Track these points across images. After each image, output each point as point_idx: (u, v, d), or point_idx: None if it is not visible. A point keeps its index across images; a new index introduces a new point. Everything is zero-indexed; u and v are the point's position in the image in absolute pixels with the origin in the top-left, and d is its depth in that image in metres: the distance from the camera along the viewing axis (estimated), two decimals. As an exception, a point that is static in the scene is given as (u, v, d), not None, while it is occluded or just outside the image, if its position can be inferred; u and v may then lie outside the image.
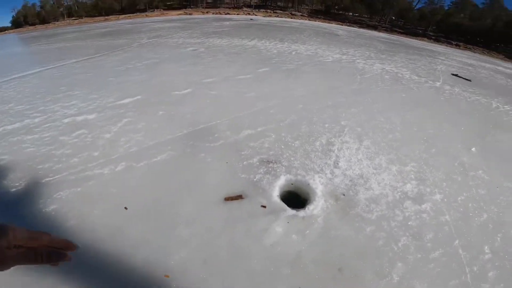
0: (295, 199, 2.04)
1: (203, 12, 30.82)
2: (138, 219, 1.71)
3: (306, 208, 1.84)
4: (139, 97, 3.24)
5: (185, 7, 38.50)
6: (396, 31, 29.73)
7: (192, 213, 1.78)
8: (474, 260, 1.65)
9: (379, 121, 2.86)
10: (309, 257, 1.63)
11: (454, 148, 2.65)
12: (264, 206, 1.84)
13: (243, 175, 2.07)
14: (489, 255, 1.69)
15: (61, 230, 1.62)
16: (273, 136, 2.41)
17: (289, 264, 1.61)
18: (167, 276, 1.46)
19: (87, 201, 1.81)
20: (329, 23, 27.18)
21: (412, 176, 2.24)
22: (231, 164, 2.16)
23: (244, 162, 2.18)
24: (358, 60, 6.55)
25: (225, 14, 28.31)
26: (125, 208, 1.78)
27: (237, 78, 3.63)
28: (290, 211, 1.82)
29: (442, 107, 3.68)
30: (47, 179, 1.98)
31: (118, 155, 2.24)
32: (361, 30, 22.49)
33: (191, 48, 6.61)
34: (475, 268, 1.61)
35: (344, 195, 1.97)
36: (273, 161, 2.17)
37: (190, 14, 28.33)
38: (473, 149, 2.67)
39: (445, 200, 2.04)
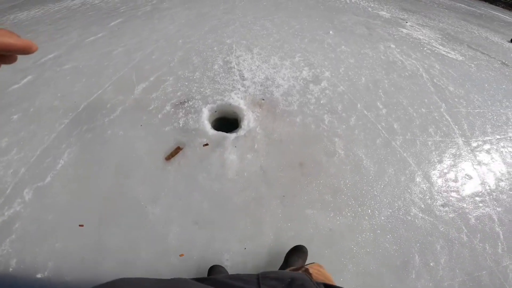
0: (228, 122, 2.00)
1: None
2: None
3: (242, 125, 1.84)
4: None
5: None
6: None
7: (150, 190, 1.54)
8: (378, 117, 2.13)
9: (256, 29, 2.95)
10: (273, 163, 1.72)
11: (318, 34, 3.10)
12: (207, 144, 1.73)
13: (167, 128, 1.81)
14: (384, 109, 2.22)
15: None
16: (170, 79, 2.13)
17: (265, 180, 1.65)
18: (182, 255, 1.36)
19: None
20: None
21: (303, 64, 2.54)
22: (147, 125, 1.83)
23: (159, 116, 1.88)
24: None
25: None
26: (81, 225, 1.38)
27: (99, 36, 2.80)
28: (231, 135, 1.79)
29: (297, 6, 4.14)
30: None
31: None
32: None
33: None
34: (383, 124, 2.10)
35: (263, 99, 2.06)
36: (186, 100, 1.97)
37: None
38: (331, 32, 3.21)
39: (333, 74, 2.47)
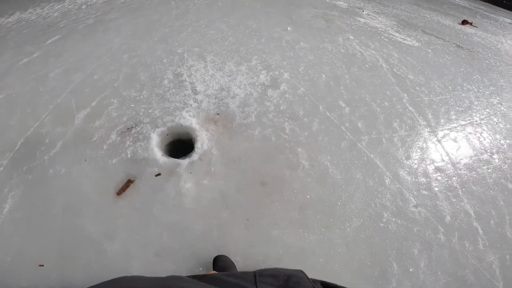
0: (180, 146, 1.84)
1: None
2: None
3: (196, 148, 1.69)
4: None
5: None
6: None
7: (103, 228, 1.45)
8: (341, 118, 2.03)
9: (210, 34, 2.77)
10: (232, 186, 1.59)
11: (276, 32, 2.97)
12: (159, 174, 1.57)
13: (114, 160, 1.63)
14: (347, 108, 2.13)
15: None
16: (115, 102, 1.92)
17: (226, 204, 1.54)
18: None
19: None
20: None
21: (260, 67, 2.41)
22: (92, 159, 1.63)
23: (104, 147, 1.69)
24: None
25: None
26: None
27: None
28: (184, 161, 1.63)
29: (254, 4, 3.97)
30: None
31: None
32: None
33: None
34: (347, 124, 2.01)
35: (218, 114, 1.92)
36: (134, 125, 1.78)
37: None
38: (289, 28, 3.08)
39: (293, 75, 2.35)
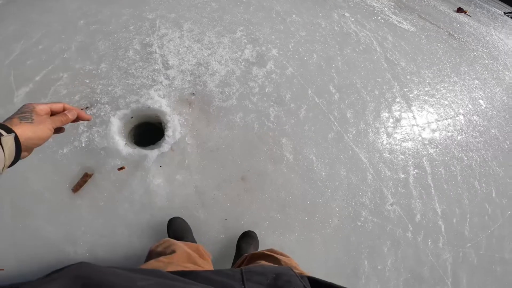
0: (150, 132, 1.60)
1: None
2: None
3: (166, 137, 1.46)
4: None
5: None
6: None
7: (62, 230, 1.27)
8: (330, 105, 1.86)
9: (188, -4, 2.37)
10: (209, 181, 1.42)
11: (266, 0, 2.62)
12: (123, 168, 1.34)
13: (65, 150, 1.36)
14: (337, 94, 1.95)
15: None
16: (64, 76, 1.57)
17: (202, 203, 1.37)
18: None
19: None
20: None
21: (245, 40, 2.12)
22: (38, 149, 1.34)
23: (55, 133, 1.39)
24: None
25: None
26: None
27: None
28: (153, 152, 1.40)
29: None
30: None
31: None
32: None
33: None
34: (336, 113, 1.84)
35: (194, 94, 1.66)
36: (88, 106, 1.48)
37: None
38: None
39: (281, 52, 2.10)
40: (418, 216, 1.67)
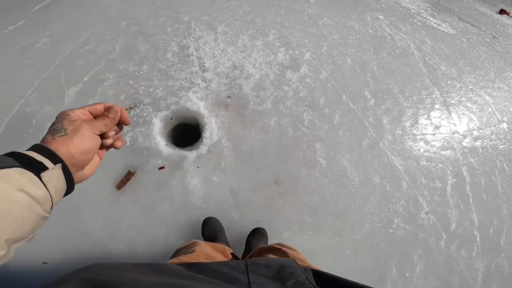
0: (187, 132, 1.65)
1: None
2: None
3: (203, 138, 1.50)
4: None
5: None
6: None
7: (106, 226, 1.36)
8: (365, 111, 1.82)
9: (222, 0, 2.41)
10: (244, 184, 1.44)
11: (297, 3, 2.60)
12: (163, 167, 1.40)
13: (112, 149, 1.43)
14: (372, 100, 1.90)
15: None
16: (110, 77, 1.67)
17: (236, 204, 1.41)
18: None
19: None
20: None
21: (278, 43, 2.12)
22: None
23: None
24: None
25: None
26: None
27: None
28: (191, 154, 1.45)
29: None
30: None
31: None
32: None
33: None
34: (371, 119, 1.80)
35: (230, 97, 1.69)
36: (132, 106, 1.56)
37: None
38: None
39: (314, 56, 2.07)
40: (453, 225, 1.61)
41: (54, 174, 0.32)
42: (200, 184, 1.40)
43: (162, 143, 1.42)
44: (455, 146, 1.85)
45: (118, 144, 0.47)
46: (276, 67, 1.94)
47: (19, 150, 0.32)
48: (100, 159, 0.46)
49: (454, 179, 1.75)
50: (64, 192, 0.36)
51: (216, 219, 1.33)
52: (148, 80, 1.66)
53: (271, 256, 0.77)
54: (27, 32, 1.93)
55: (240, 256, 1.29)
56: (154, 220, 1.33)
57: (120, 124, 0.45)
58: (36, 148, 0.34)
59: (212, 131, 1.50)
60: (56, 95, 1.58)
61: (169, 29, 1.99)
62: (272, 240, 1.36)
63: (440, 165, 1.77)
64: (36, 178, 0.30)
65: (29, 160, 0.31)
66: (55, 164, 0.33)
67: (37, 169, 0.31)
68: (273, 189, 1.46)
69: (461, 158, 1.84)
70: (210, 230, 1.27)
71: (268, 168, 1.50)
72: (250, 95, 1.73)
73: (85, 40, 1.83)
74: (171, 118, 1.55)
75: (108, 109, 0.42)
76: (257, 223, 1.40)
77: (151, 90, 1.61)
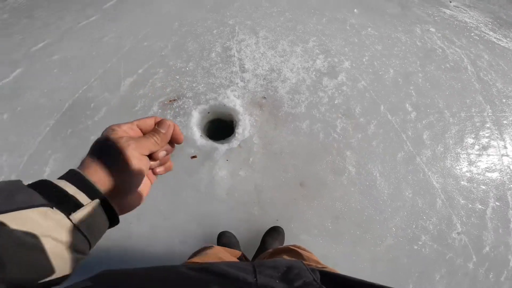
0: (221, 127, 1.75)
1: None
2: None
3: (236, 133, 1.58)
4: None
5: None
6: None
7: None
8: (404, 124, 1.76)
9: (266, 6, 2.51)
10: (269, 182, 1.49)
11: (340, 12, 2.60)
12: (195, 156, 1.51)
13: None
14: (414, 112, 1.82)
15: None
16: (160, 71, 1.85)
17: (259, 201, 1.45)
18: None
19: None
20: None
21: (317, 50, 2.14)
22: None
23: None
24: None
25: None
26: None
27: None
28: (223, 146, 1.54)
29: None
30: None
31: None
32: None
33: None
34: (409, 133, 1.73)
35: (265, 97, 1.76)
36: (176, 98, 1.71)
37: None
38: (356, 10, 2.69)
39: (354, 65, 2.06)
40: (487, 248, 1.47)
41: (89, 212, 0.28)
42: (226, 177, 1.47)
43: (197, 134, 1.53)
44: (503, 169, 1.67)
45: (163, 169, 0.40)
46: (314, 73, 1.96)
47: (50, 179, 0.28)
48: (151, 183, 0.40)
49: (496, 203, 1.59)
50: (106, 229, 0.32)
51: (231, 233, 1.35)
52: (192, 76, 1.80)
53: (285, 257, 0.77)
54: (98, 27, 2.23)
55: (253, 253, 1.32)
56: (178, 208, 1.43)
57: (172, 141, 0.38)
58: (71, 176, 0.29)
59: (245, 127, 1.57)
60: (114, 84, 1.80)
61: (215, 31, 2.14)
62: (288, 241, 1.36)
63: (483, 187, 1.61)
64: (66, 219, 0.26)
65: (59, 193, 0.27)
66: (92, 198, 0.29)
67: (67, 206, 0.27)
68: (297, 191, 1.47)
69: (507, 182, 1.65)
70: (225, 243, 1.29)
71: (295, 170, 1.52)
72: (285, 98, 1.78)
73: (143, 37, 2.06)
74: (208, 112, 1.66)
75: (159, 124, 0.36)
76: (276, 222, 1.42)
77: (194, 85, 1.75)
